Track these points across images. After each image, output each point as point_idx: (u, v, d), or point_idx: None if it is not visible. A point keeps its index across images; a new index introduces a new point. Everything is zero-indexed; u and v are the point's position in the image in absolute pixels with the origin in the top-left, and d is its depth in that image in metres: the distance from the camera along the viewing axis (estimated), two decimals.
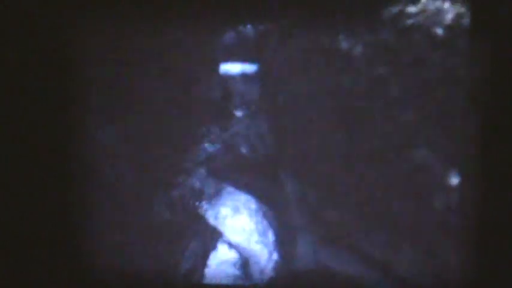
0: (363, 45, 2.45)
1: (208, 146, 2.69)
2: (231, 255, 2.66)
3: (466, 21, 2.37)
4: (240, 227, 2.70)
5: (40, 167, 2.43)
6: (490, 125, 2.33)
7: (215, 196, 2.70)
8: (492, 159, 2.33)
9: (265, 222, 2.67)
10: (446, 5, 2.37)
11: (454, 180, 2.42)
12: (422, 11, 2.40)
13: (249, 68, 2.60)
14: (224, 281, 2.61)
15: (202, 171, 2.69)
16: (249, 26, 2.58)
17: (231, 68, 2.63)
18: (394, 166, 2.46)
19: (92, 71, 2.48)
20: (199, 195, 2.71)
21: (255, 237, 2.68)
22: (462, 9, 2.37)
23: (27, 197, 2.41)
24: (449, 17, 2.38)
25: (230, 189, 2.69)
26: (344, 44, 2.46)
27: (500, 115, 2.30)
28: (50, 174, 2.45)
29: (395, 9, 2.40)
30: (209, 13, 2.61)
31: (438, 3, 2.38)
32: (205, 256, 2.64)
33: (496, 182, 2.32)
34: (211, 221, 2.69)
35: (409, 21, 2.39)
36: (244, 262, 2.65)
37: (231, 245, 2.69)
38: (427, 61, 2.42)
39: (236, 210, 2.70)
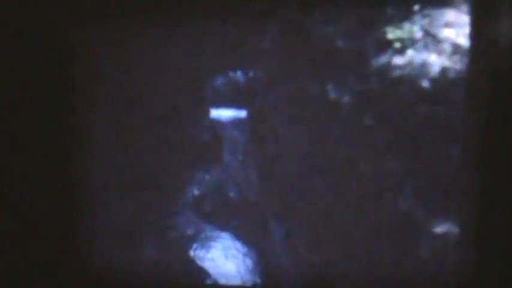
0: (350, 95, 2.49)
1: (196, 189, 2.71)
2: None
3: (451, 74, 2.43)
4: (227, 269, 2.72)
5: (40, 168, 2.44)
6: (480, 176, 2.38)
7: (203, 238, 2.73)
8: (481, 206, 2.38)
9: (252, 265, 2.70)
10: (432, 58, 2.43)
11: (440, 229, 2.46)
12: (409, 63, 2.45)
13: (238, 113, 2.64)
14: None
15: (190, 213, 2.72)
16: (239, 72, 2.61)
17: (221, 112, 2.67)
18: (379, 214, 2.50)
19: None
20: (187, 237, 2.73)
21: (241, 279, 2.71)
22: (448, 63, 2.43)
23: (26, 197, 2.42)
24: (435, 69, 2.44)
25: (218, 232, 2.72)
26: (332, 94, 2.51)
27: (490, 166, 2.35)
28: (50, 174, 2.46)
29: (382, 60, 2.45)
30: (199, 57, 2.64)
31: (424, 56, 2.44)
32: None
33: (486, 230, 2.37)
34: (199, 262, 2.71)
35: (396, 73, 2.45)
36: None
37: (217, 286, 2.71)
38: (414, 112, 2.47)
39: (223, 252, 2.73)
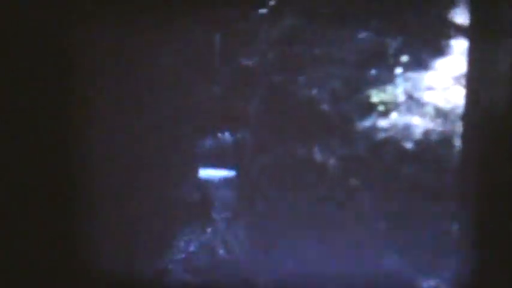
0: (336, 157, 2.54)
1: (185, 247, 2.75)
2: None
3: (435, 136, 2.48)
4: None
5: (40, 168, 2.45)
6: (469, 233, 2.42)
7: None
8: (471, 262, 2.41)
9: None
10: (416, 121, 2.48)
11: (428, 285, 2.50)
12: (393, 125, 2.50)
13: (227, 173, 2.68)
14: None
15: (178, 270, 2.75)
16: (226, 133, 2.66)
17: (210, 172, 2.71)
18: (366, 273, 2.54)
19: None
20: None
21: None
22: (431, 125, 2.48)
23: (26, 197, 2.43)
24: (418, 131, 2.49)
25: None
26: (318, 155, 2.55)
27: (478, 221, 2.38)
28: (50, 174, 2.47)
29: (367, 123, 2.50)
30: (188, 118, 2.69)
31: (408, 118, 2.49)
32: None
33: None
34: None
35: (381, 135, 2.50)
36: None
37: None
38: (398, 173, 2.52)
39: None
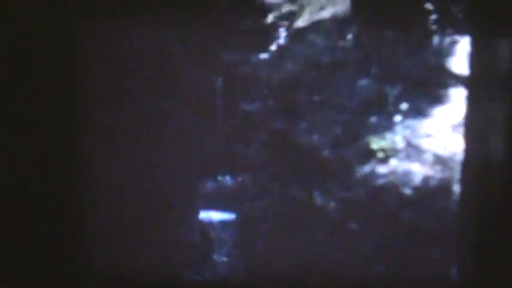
0: (336, 201, 2.57)
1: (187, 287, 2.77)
2: None
3: (432, 182, 2.51)
4: None
5: (40, 168, 2.46)
6: (466, 277, 2.43)
7: None
8: None
9: None
10: (415, 167, 2.51)
11: None
12: (392, 172, 2.53)
13: (227, 216, 2.71)
14: None
15: None
16: (227, 177, 2.69)
17: (211, 215, 2.74)
18: None
19: None
20: None
21: None
22: (430, 172, 2.51)
23: (26, 198, 2.43)
24: (417, 178, 2.52)
25: None
26: (318, 200, 2.58)
27: (475, 266, 2.40)
28: (50, 174, 2.48)
29: (366, 169, 2.53)
30: (189, 161, 2.72)
31: (407, 165, 2.52)
32: None
33: None
34: None
35: (380, 181, 2.52)
36: None
37: None
38: (397, 218, 2.55)
39: None
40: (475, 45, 2.31)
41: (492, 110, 2.38)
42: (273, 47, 2.52)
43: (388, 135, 2.49)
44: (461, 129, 2.51)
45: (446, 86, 2.50)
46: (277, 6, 2.49)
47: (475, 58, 2.37)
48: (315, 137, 2.55)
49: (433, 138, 2.48)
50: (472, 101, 2.46)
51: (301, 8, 2.51)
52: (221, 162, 2.67)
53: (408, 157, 2.49)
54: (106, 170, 2.64)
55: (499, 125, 2.34)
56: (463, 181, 2.47)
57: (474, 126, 2.47)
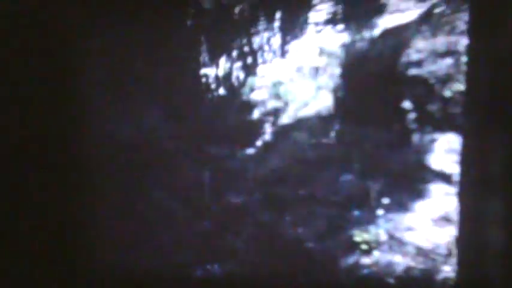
0: None
1: None
2: None
3: (416, 273, 2.56)
4: None
5: (41, 168, 2.42)
6: None
7: None
8: None
9: None
10: (397, 259, 2.57)
11: None
12: (376, 263, 2.59)
13: None
14: None
15: None
16: (215, 266, 2.74)
17: None
18: None
19: None
20: None
21: None
22: (412, 263, 2.57)
23: (27, 198, 2.38)
24: (399, 269, 2.57)
25: None
26: None
27: None
28: (51, 174, 2.44)
29: (350, 260, 2.59)
30: (178, 252, 2.78)
31: (389, 257, 2.58)
32: None
33: None
34: None
35: (364, 271, 2.58)
36: None
37: None
38: None
39: None
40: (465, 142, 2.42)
41: (482, 204, 2.46)
42: (259, 143, 2.65)
43: (372, 228, 2.58)
44: (442, 223, 2.61)
45: (426, 181, 2.62)
46: (263, 102, 2.65)
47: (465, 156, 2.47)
48: (300, 230, 2.63)
49: (415, 231, 2.56)
50: (461, 196, 2.54)
51: (286, 105, 2.66)
52: (209, 252, 2.73)
53: (391, 249, 2.57)
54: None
55: (487, 219, 2.41)
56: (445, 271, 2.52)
57: (457, 220, 2.54)
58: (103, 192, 2.78)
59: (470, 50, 2.08)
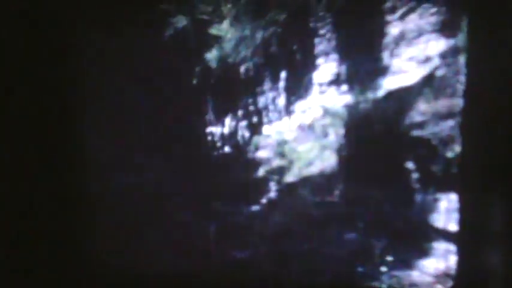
0: None
1: None
2: None
3: None
4: None
5: (42, 169, 2.39)
6: None
7: None
8: None
9: None
10: None
11: None
12: None
13: None
14: None
15: None
16: None
17: None
18: None
19: None
20: None
21: None
22: None
23: (28, 198, 2.35)
24: None
25: None
26: None
27: None
28: (52, 174, 2.40)
29: None
30: None
31: None
32: None
33: None
34: None
35: None
36: None
37: None
38: None
39: None
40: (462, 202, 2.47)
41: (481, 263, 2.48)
42: (264, 200, 2.71)
43: (375, 285, 2.60)
44: (445, 281, 2.63)
45: (429, 239, 2.65)
46: (268, 160, 2.72)
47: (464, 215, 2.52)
48: (305, 282, 2.66)
49: None
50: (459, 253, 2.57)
51: (291, 163, 2.73)
52: None
53: None
54: None
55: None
56: None
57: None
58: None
59: (464, 112, 2.15)
